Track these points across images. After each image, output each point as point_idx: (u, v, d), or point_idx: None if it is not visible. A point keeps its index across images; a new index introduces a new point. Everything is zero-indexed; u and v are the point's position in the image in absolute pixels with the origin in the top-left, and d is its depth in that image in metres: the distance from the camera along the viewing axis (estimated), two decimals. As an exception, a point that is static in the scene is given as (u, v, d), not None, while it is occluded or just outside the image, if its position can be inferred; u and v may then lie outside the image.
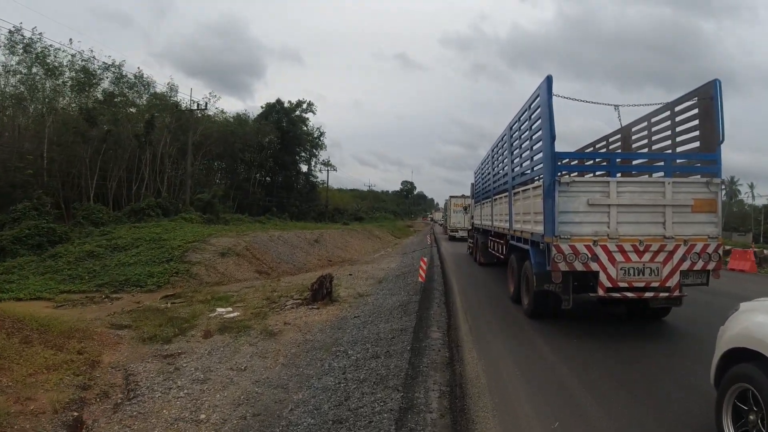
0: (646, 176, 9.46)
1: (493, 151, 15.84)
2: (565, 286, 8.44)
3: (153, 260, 22.33)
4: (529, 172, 10.66)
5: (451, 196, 39.84)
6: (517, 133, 11.51)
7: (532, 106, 9.74)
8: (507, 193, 12.90)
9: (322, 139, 75.26)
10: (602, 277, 8.07)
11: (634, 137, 11.36)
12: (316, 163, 76.09)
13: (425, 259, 15.43)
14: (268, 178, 67.97)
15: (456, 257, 25.58)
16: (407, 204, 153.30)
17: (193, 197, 41.30)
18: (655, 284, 8.13)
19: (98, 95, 43.82)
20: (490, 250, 17.77)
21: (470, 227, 24.49)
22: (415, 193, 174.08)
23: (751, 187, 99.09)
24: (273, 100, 70.10)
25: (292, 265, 24.58)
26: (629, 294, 8.13)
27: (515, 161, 11.96)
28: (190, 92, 56.51)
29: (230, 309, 15.16)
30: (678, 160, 9.39)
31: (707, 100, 8.43)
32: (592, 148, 14.14)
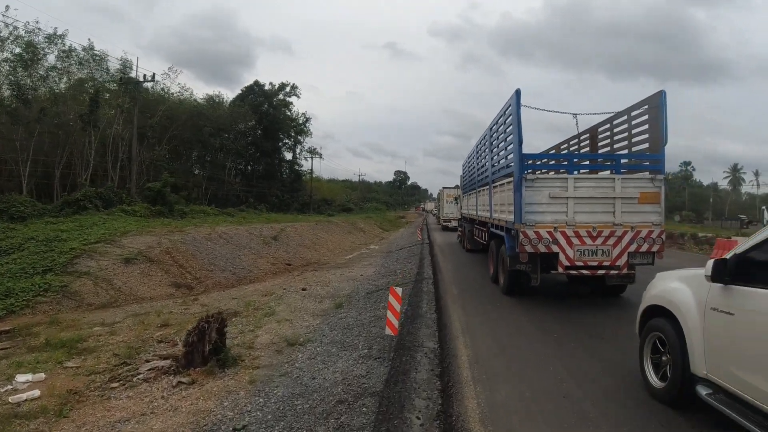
0: (601, 173, 11.00)
1: (477, 147, 16.43)
2: (533, 266, 9.93)
3: (25, 270, 15.08)
4: (503, 168, 11.47)
5: (443, 188, 40.68)
6: (495, 134, 12.38)
7: (506, 113, 10.85)
8: (488, 186, 13.68)
9: (307, 125, 67.55)
10: (561, 257, 9.35)
11: (600, 136, 12.49)
12: (301, 150, 68.48)
13: (398, 292, 7.93)
14: (248, 167, 60.54)
15: (447, 245, 25.03)
16: (401, 194, 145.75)
17: (143, 186, 34.04)
18: (606, 263, 9.32)
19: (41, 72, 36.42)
20: (475, 237, 17.86)
21: (460, 217, 25.20)
22: (408, 183, 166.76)
23: (756, 174, 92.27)
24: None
25: (231, 274, 17.52)
26: (584, 271, 9.37)
27: (494, 158, 12.76)
28: (136, 60, 46.93)
29: (41, 376, 8.02)
30: (623, 160, 10.68)
31: (655, 108, 9.66)
32: (567, 144, 15.09)
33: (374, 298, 11.88)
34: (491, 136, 12.95)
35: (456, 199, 30.38)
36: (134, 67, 36.06)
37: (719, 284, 4.35)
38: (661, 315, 5.24)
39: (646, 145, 10.07)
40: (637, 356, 5.67)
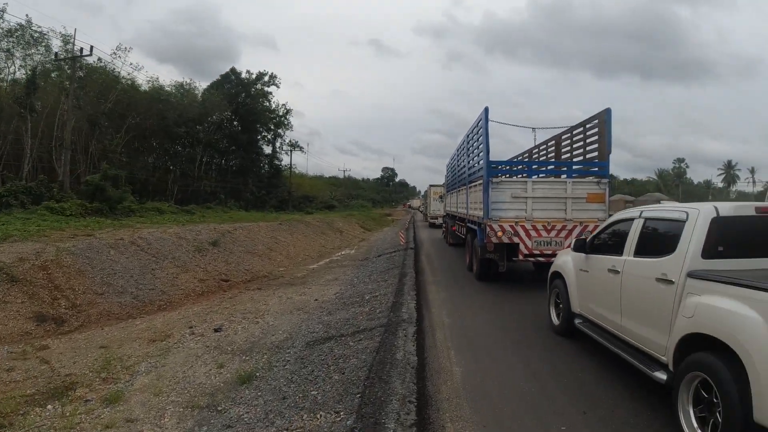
0: (554, 177, 12.24)
1: (458, 150, 17.11)
2: (500, 254, 10.94)
3: None
4: (476, 172, 12.54)
5: (431, 185, 39.89)
6: (470, 142, 13.61)
7: (478, 125, 12.11)
8: (465, 187, 14.71)
9: (288, 117, 61.41)
10: (521, 246, 10.50)
11: (563, 144, 13.63)
12: (281, 144, 62.39)
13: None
14: (223, 161, 54.71)
15: (432, 241, 25.12)
16: (388, 192, 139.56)
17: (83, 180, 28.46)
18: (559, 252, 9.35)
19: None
20: (456, 232, 18.27)
21: (444, 214, 25.86)
22: (396, 180, 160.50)
23: (752, 172, 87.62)
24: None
25: (132, 298, 11.95)
26: (540, 258, 10.49)
27: (470, 163, 13.79)
28: (74, 32, 40.20)
29: None
30: (575, 166, 12.17)
31: (603, 123, 10.83)
32: (537, 149, 16.46)
33: (314, 360, 6.51)
34: (468, 143, 14.14)
35: (441, 197, 30.80)
36: (73, 41, 30.06)
37: (583, 254, 6.60)
38: (558, 277, 7.38)
39: (596, 153, 11.32)
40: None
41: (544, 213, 10.68)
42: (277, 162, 61.33)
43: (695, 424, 3.91)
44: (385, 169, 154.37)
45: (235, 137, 52.45)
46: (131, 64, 49.94)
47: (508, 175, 12.30)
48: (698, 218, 4.59)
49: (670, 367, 4.37)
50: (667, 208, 5.46)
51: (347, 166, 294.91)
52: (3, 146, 31.18)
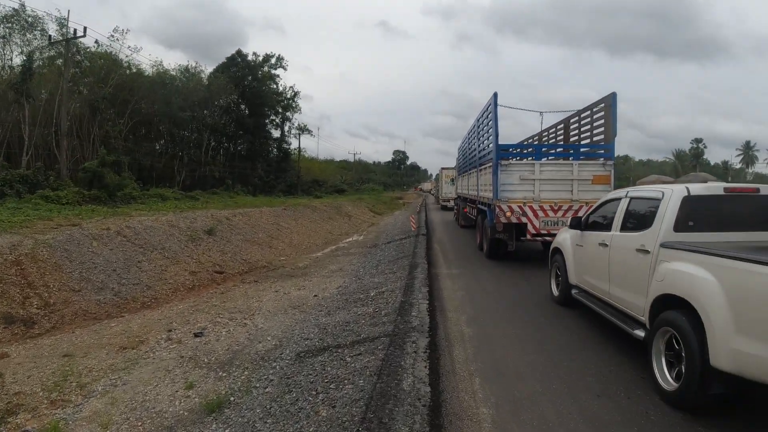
0: (561, 160, 12.80)
1: (469, 134, 17.42)
2: (508, 234, 11.28)
3: None
4: (486, 156, 12.71)
5: (442, 168, 39.19)
6: (481, 126, 13.78)
7: (487, 110, 12.30)
8: (476, 169, 14.90)
9: (296, 99, 59.61)
10: (529, 226, 10.82)
11: (571, 127, 13.73)
12: (290, 128, 60.63)
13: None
14: (231, 146, 53.27)
15: (444, 224, 24.48)
16: (399, 175, 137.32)
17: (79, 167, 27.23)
18: None
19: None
20: (467, 214, 18.51)
21: (456, 197, 25.76)
22: (408, 163, 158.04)
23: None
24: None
25: (112, 294, 10.66)
26: (548, 238, 10.52)
27: (480, 146, 13.92)
28: (68, 14, 37.88)
29: None
30: (581, 149, 12.35)
31: (608, 107, 11.12)
32: (547, 132, 16.20)
33: (301, 382, 5.17)
34: (478, 127, 14.29)
35: (453, 180, 30.35)
36: (66, 23, 28.68)
37: (579, 231, 7.10)
38: (558, 253, 7.91)
39: (602, 136, 11.53)
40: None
41: (551, 194, 11.06)
42: (285, 146, 59.57)
43: (666, 372, 4.47)
44: (396, 152, 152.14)
45: (242, 121, 50.85)
46: (129, 47, 48.45)
47: (516, 158, 12.77)
48: (671, 197, 5.17)
49: (647, 326, 4.95)
50: (648, 189, 6.06)
51: (358, 150, 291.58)
52: (3, 134, 30.07)
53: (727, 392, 3.92)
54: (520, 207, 10.83)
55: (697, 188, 5.21)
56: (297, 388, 5.04)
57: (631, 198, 6.02)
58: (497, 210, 10.89)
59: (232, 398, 5.34)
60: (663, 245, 4.90)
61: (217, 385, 5.79)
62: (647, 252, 5.10)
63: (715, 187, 5.31)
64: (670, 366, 4.43)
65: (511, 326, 6.51)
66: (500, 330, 6.32)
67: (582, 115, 12.82)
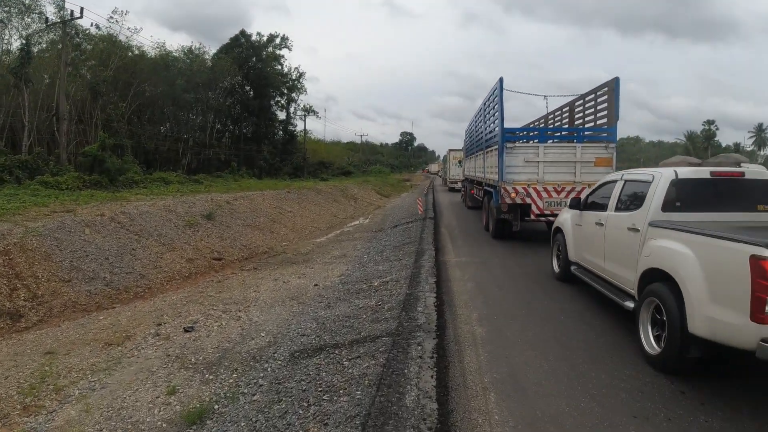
0: (565, 142, 12.98)
1: (475, 117, 17.47)
2: (513, 214, 11.76)
3: None
4: (492, 139, 13.03)
5: (450, 150, 39.63)
6: (486, 110, 14.20)
7: (493, 94, 12.63)
8: (482, 152, 15.11)
9: (301, 80, 58.54)
10: (533, 207, 11.23)
11: (576, 110, 13.92)
12: (295, 110, 59.59)
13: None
14: (235, 128, 52.54)
15: (451, 205, 25.10)
16: (407, 156, 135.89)
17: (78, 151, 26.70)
18: None
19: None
20: (474, 195, 18.72)
21: (463, 178, 25.74)
22: (415, 145, 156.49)
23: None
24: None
25: (104, 284, 10.08)
26: (551, 218, 10.63)
27: (486, 129, 14.25)
28: None
29: None
30: (585, 132, 12.40)
31: (611, 91, 11.40)
32: (553, 114, 16.52)
33: (292, 390, 4.60)
34: (485, 111, 14.51)
35: (460, 161, 30.05)
36: (63, 4, 27.96)
37: (578, 211, 7.47)
38: (559, 232, 8.30)
39: (605, 120, 11.86)
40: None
41: (554, 176, 11.35)
42: (291, 127, 58.66)
43: (651, 338, 4.82)
44: (403, 134, 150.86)
45: (247, 103, 50.01)
46: (129, 28, 47.54)
47: (521, 141, 12.95)
48: (660, 180, 5.54)
49: (636, 297, 5.32)
50: (640, 172, 6.44)
51: (365, 131, 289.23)
52: (4, 120, 29.56)
53: (703, 356, 4.29)
54: (524, 188, 11.26)
55: (685, 171, 5.56)
56: (287, 397, 4.47)
57: (626, 180, 6.40)
58: (502, 191, 11.33)
59: (216, 406, 4.79)
60: (651, 224, 5.29)
61: (202, 390, 5.24)
62: (637, 230, 5.51)
63: (702, 171, 5.58)
64: (655, 333, 4.83)
65: (528, 325, 5.86)
66: (515, 329, 5.68)
67: (586, 99, 13.18)
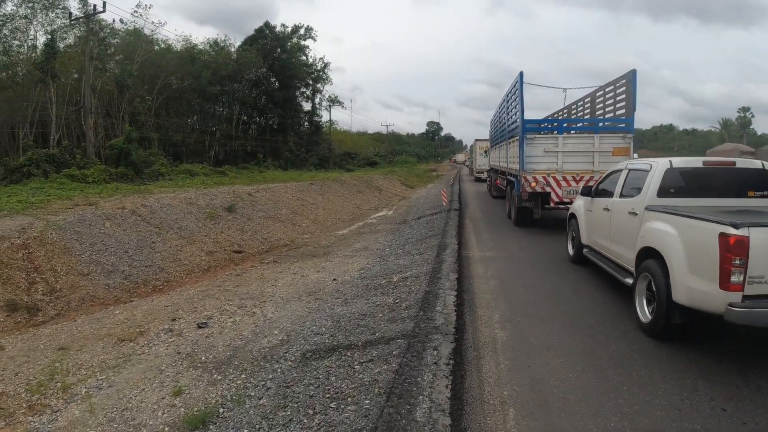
0: (585, 133, 13.24)
1: (499, 108, 17.82)
2: (534, 202, 12.40)
3: None
4: (514, 130, 13.48)
5: (476, 140, 39.23)
6: (509, 101, 14.71)
7: (514, 87, 13.21)
8: (505, 142, 15.69)
9: (326, 71, 58.12)
10: (552, 195, 11.74)
11: (597, 101, 14.41)
12: (320, 100, 59.37)
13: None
14: (261, 120, 52.57)
15: (477, 195, 25.48)
16: (434, 146, 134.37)
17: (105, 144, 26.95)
18: None
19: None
20: (499, 185, 18.97)
21: (489, 168, 26.03)
22: (442, 134, 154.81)
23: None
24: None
25: (122, 278, 9.97)
26: (570, 206, 10.20)
27: (509, 120, 14.72)
28: None
29: None
30: (603, 123, 13.12)
31: (629, 82, 11.80)
32: (575, 105, 17.03)
33: (299, 396, 4.33)
34: (507, 103, 15.08)
35: (486, 152, 30.18)
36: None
37: (590, 198, 8.07)
38: (573, 218, 8.94)
39: (624, 110, 12.23)
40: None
41: (573, 165, 11.80)
42: (317, 118, 58.52)
43: (645, 308, 5.49)
44: (430, 123, 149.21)
45: (272, 94, 49.95)
46: (153, 22, 47.84)
47: (541, 132, 13.21)
48: (656, 169, 6.21)
49: (634, 274, 5.92)
50: (641, 161, 7.08)
51: (391, 121, 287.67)
52: (33, 115, 30.00)
53: (685, 322, 4.91)
54: (544, 177, 11.75)
55: (679, 161, 6.27)
56: (294, 403, 4.21)
57: (629, 170, 7.04)
58: (523, 180, 11.85)
59: (221, 410, 4.56)
60: (647, 208, 5.91)
61: (209, 391, 5.02)
62: (636, 214, 6.13)
63: (695, 161, 6.36)
64: (648, 304, 5.46)
65: (554, 331, 5.46)
66: (541, 334, 5.30)
67: (606, 90, 13.64)
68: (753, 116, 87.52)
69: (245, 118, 49.80)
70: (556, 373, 4.30)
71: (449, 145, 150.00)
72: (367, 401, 3.77)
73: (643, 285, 5.51)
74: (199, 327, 7.10)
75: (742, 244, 4.22)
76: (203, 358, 5.93)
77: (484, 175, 31.72)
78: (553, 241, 10.75)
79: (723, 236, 4.29)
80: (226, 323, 7.14)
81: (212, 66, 41.73)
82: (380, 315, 6.08)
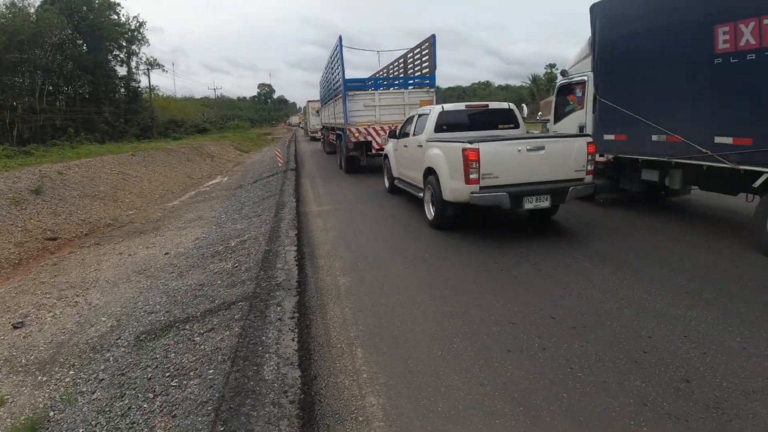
0: (396, 89, 15.55)
1: (326, 69, 19.77)
2: (359, 152, 14.32)
3: None
4: (338, 89, 15.15)
5: (308, 101, 40.95)
6: (333, 64, 16.61)
7: (336, 49, 14.99)
8: (332, 100, 18.03)
9: (141, 30, 52.60)
10: (373, 143, 13.67)
11: (409, 61, 17.23)
12: (138, 64, 53.89)
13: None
14: (70, 89, 46.43)
15: (312, 153, 26.47)
16: (267, 110, 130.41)
17: None
18: None
19: None
20: (331, 141, 20.37)
21: (321, 127, 27.53)
22: (275, 97, 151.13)
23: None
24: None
25: None
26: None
27: (334, 81, 16.66)
28: None
29: None
30: (410, 81, 15.88)
31: (430, 46, 14.64)
32: (391, 65, 20.26)
33: (136, 381, 3.99)
34: (331, 65, 17.21)
35: (318, 111, 31.62)
36: None
37: (395, 139, 10.19)
38: (386, 158, 11.27)
39: (428, 69, 15.04)
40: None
41: (389, 117, 13.84)
42: (134, 84, 53.11)
43: (431, 209, 7.79)
44: (261, 86, 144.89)
45: (80, 59, 44.25)
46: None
47: (361, 89, 14.91)
48: (433, 112, 8.56)
49: (423, 188, 8.16)
50: (425, 108, 9.37)
51: (219, 85, 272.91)
52: None
53: (454, 214, 7.33)
54: (365, 129, 13.78)
55: (449, 106, 8.78)
56: (131, 390, 3.87)
57: (419, 115, 9.23)
58: (348, 132, 13.80)
59: (51, 413, 4.06)
60: (427, 141, 8.14)
61: (35, 395, 4.43)
62: (421, 146, 8.29)
63: (460, 105, 9.00)
64: (433, 207, 7.70)
65: (393, 268, 5.66)
66: (380, 273, 5.46)
67: (414, 52, 16.47)
68: (558, 71, 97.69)
69: (50, 88, 43.76)
70: (399, 308, 4.48)
71: (283, 108, 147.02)
72: (211, 371, 3.59)
73: (428, 194, 7.81)
74: (15, 327, 6.19)
75: (475, 154, 6.40)
76: (23, 360, 5.20)
77: (319, 134, 32.21)
78: (376, 183, 12.53)
79: (464, 150, 6.50)
80: (46, 318, 6.32)
81: (9, 30, 35.77)
82: (219, 282, 5.81)
